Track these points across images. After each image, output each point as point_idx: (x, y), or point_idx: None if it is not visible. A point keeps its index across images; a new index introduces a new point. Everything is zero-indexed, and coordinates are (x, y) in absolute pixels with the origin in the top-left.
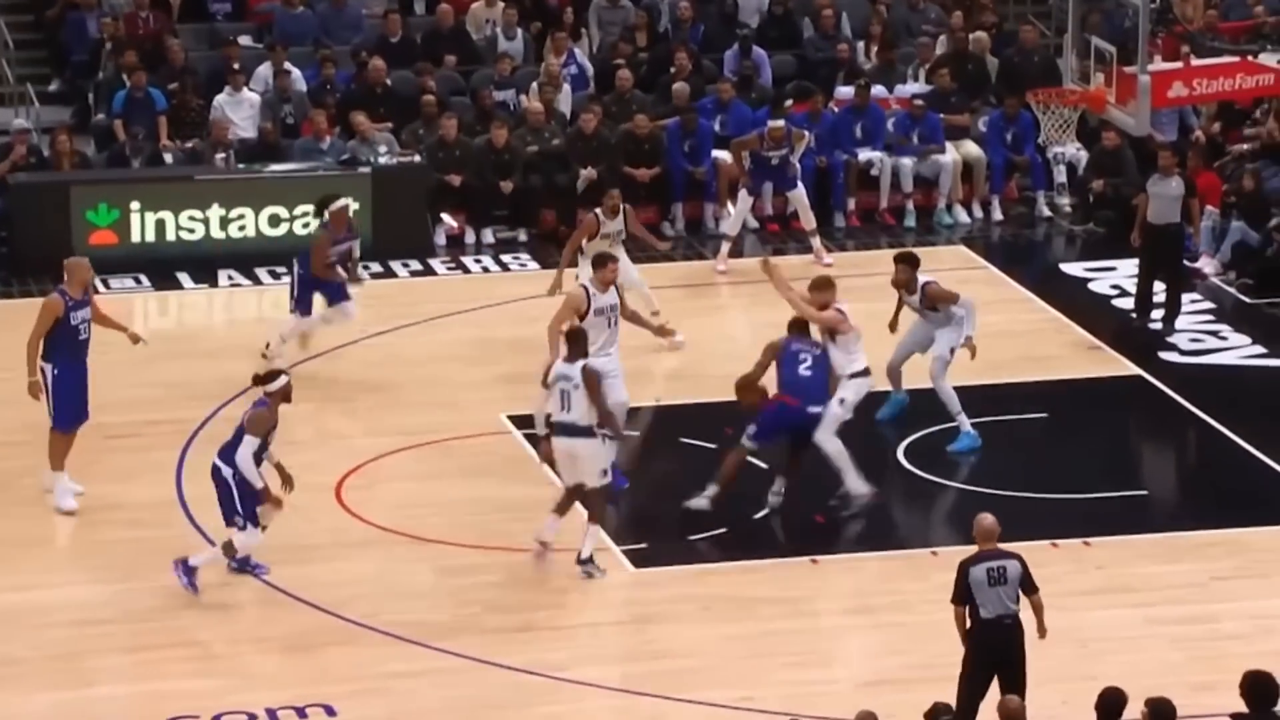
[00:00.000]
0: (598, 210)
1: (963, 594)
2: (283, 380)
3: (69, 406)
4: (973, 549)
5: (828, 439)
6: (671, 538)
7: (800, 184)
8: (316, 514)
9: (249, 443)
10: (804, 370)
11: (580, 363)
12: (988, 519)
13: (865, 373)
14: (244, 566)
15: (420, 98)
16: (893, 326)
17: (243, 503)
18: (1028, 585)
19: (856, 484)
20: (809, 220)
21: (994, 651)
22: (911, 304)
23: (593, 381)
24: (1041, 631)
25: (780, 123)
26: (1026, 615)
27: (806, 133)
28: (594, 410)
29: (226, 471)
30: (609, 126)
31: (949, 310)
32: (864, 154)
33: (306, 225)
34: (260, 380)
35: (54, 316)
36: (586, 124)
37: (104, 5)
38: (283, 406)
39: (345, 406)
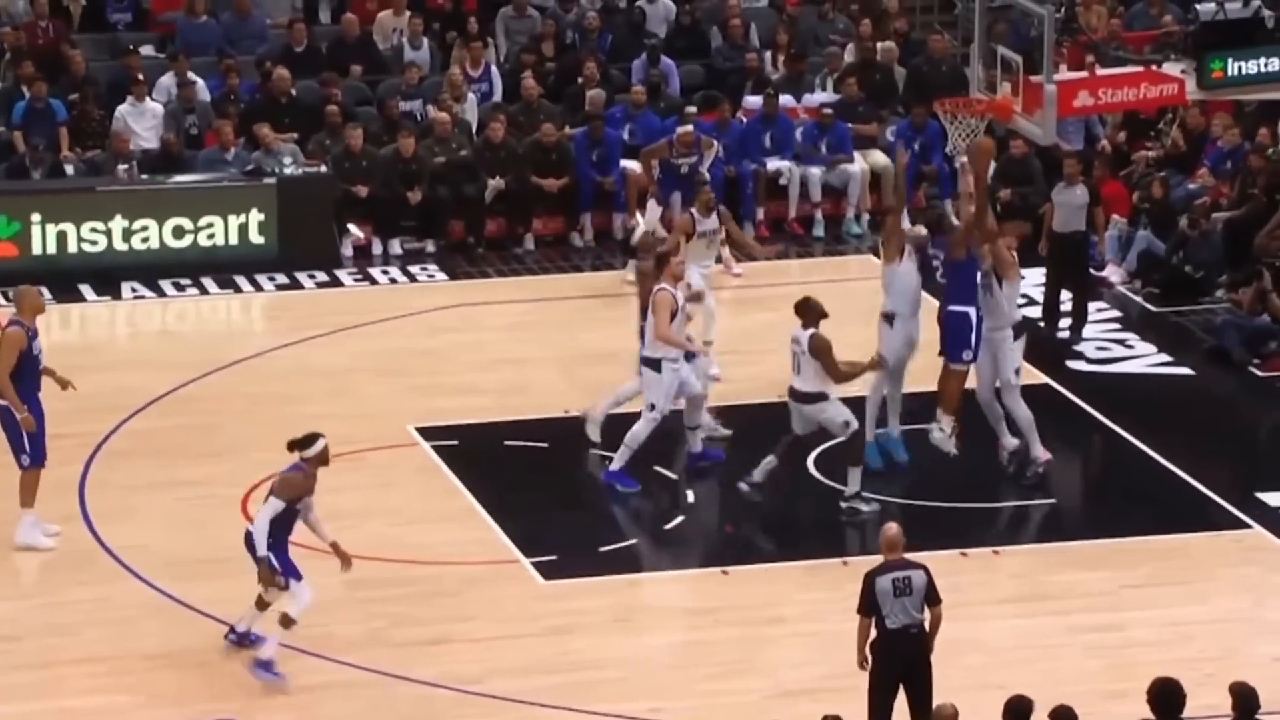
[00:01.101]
0: (692, 209)
1: (868, 605)
2: (320, 444)
3: (41, 441)
4: (878, 558)
5: (1019, 405)
6: (581, 549)
7: None
8: (222, 528)
9: (271, 505)
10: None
11: (810, 330)
12: (893, 529)
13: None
14: (242, 640)
15: (325, 108)
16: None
17: (283, 565)
18: (932, 596)
19: (1039, 450)
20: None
21: (900, 662)
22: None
23: (823, 347)
24: (929, 647)
25: (689, 128)
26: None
27: (715, 141)
28: (823, 376)
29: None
30: (516, 136)
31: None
32: (772, 163)
33: (211, 237)
34: (296, 445)
35: (18, 349)
36: (494, 133)
37: (2, 14)
38: (190, 418)
39: (250, 419)
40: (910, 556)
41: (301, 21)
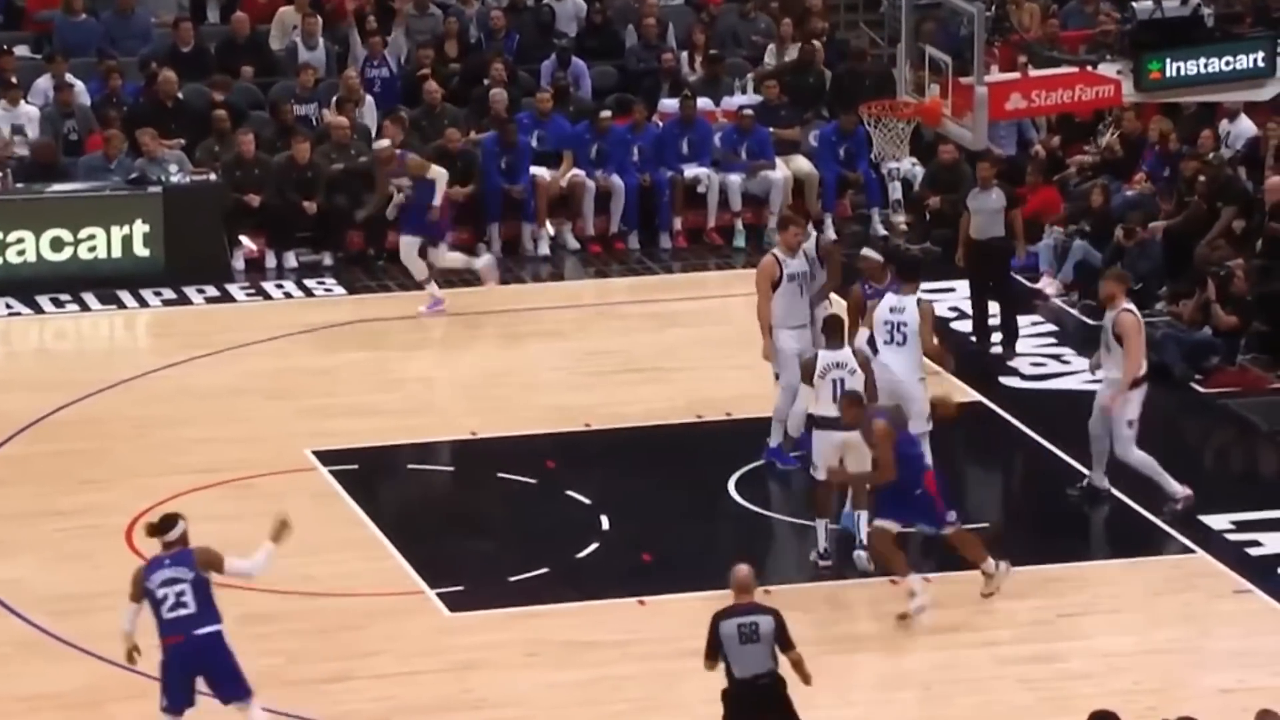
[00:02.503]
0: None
1: (713, 649)
2: (180, 528)
3: None
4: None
5: (1131, 453)
6: (490, 579)
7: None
8: (105, 559)
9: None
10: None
11: (846, 348)
12: (743, 570)
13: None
14: None
15: (213, 112)
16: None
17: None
18: (783, 642)
19: (1174, 487)
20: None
21: (750, 714)
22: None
23: (865, 362)
24: (805, 679)
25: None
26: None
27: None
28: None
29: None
30: (416, 141)
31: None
32: (690, 170)
33: (93, 249)
34: (155, 531)
35: None
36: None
37: None
38: (70, 443)
39: (136, 444)
40: (762, 600)
41: (188, 20)
